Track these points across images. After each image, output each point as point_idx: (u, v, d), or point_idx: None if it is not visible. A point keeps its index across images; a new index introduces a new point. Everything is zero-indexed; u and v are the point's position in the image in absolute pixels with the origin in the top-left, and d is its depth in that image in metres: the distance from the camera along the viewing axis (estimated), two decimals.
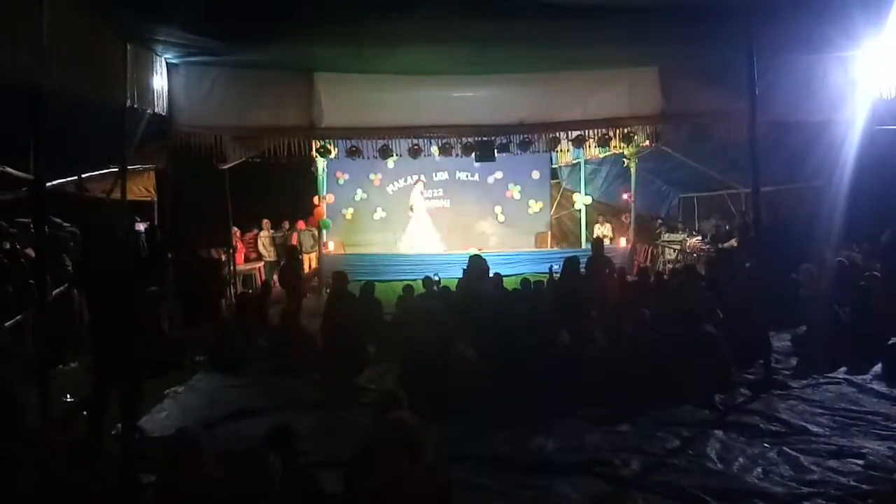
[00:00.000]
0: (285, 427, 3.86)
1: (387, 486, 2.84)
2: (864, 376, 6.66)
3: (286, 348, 7.85)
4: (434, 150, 11.61)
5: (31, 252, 7.23)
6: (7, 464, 3.13)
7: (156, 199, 10.80)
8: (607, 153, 14.09)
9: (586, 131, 11.08)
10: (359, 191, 15.64)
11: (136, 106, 8.04)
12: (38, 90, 5.11)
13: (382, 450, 2.93)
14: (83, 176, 9.54)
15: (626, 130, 10.99)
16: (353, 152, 11.18)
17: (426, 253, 13.81)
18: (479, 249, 12.91)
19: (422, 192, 15.09)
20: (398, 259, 13.45)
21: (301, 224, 15.20)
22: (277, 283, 10.96)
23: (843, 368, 6.90)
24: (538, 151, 12.63)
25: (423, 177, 15.40)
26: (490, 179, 15.94)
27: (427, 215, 14.90)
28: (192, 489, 3.33)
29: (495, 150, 11.39)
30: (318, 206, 14.06)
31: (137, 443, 5.12)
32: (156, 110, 8.69)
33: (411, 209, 14.86)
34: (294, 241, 14.10)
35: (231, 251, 12.07)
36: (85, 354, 7.06)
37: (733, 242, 12.93)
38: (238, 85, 9.55)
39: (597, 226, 15.91)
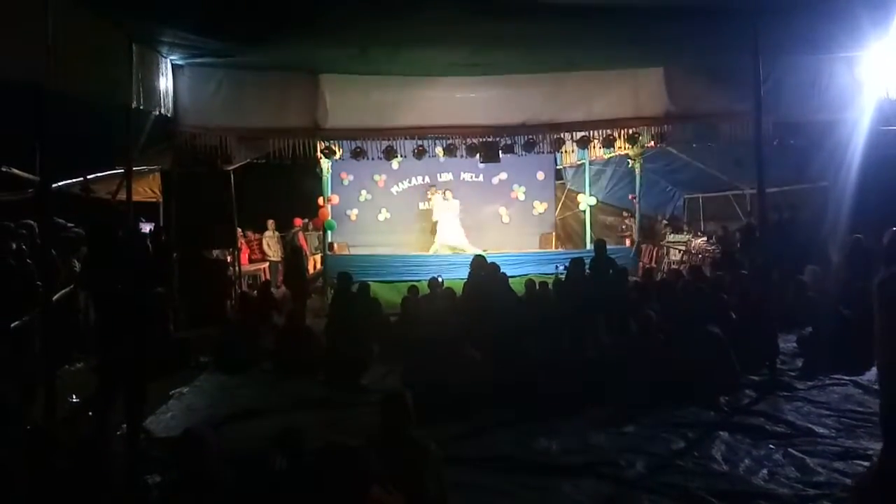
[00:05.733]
0: (293, 428, 3.87)
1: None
2: (870, 377, 6.64)
3: (290, 349, 7.85)
4: (438, 151, 11.62)
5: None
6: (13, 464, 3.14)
7: (161, 200, 10.83)
8: (612, 154, 14.07)
9: (591, 132, 11.07)
10: (363, 192, 15.64)
11: (141, 107, 8.07)
12: (43, 91, 5.13)
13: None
14: (89, 177, 9.58)
15: (630, 131, 10.97)
16: (358, 153, 11.19)
17: (429, 254, 13.81)
18: (485, 250, 12.89)
19: (442, 198, 14.95)
20: (402, 260, 13.43)
21: (298, 221, 15.23)
22: (282, 284, 10.98)
23: (849, 370, 6.87)
24: (543, 152, 12.60)
25: (436, 186, 15.26)
26: (495, 180, 15.91)
27: (450, 216, 14.82)
28: (199, 490, 3.33)
29: (500, 151, 11.38)
30: (323, 207, 14.07)
31: (143, 443, 5.13)
32: (161, 111, 8.72)
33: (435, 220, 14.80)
34: (301, 242, 14.13)
35: (236, 252, 12.09)
36: (90, 355, 7.08)
37: (737, 243, 12.89)
38: (243, 86, 9.58)
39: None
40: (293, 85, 9.91)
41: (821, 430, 5.39)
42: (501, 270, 9.51)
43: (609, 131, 10.97)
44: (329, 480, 2.67)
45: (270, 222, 14.96)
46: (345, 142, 11.26)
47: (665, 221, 16.49)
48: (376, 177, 15.55)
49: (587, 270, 9.34)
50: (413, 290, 9.51)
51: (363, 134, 10.83)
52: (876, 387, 6.32)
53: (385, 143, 10.98)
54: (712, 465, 4.82)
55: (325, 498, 2.69)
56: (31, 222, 7.05)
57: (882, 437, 4.14)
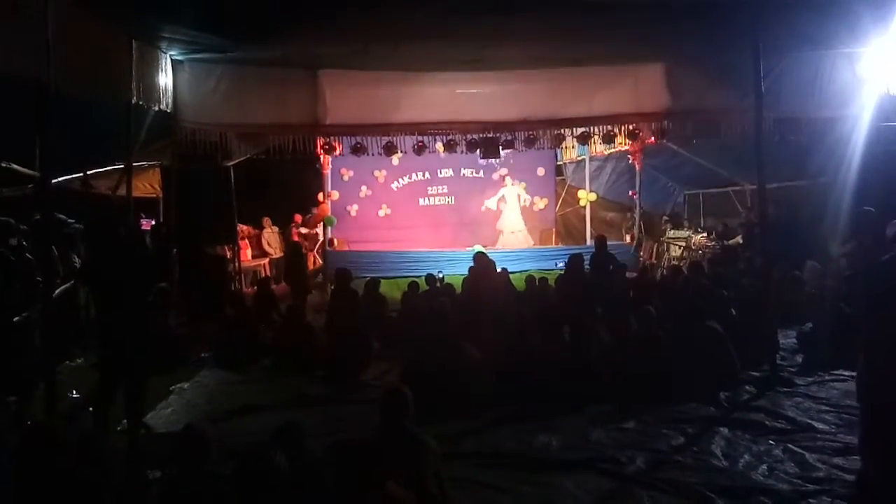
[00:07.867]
0: (294, 424, 3.87)
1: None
2: None
3: (290, 345, 7.86)
4: (439, 146, 11.61)
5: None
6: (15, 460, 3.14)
7: (161, 195, 10.82)
8: (612, 150, 14.06)
9: (591, 128, 11.06)
10: (363, 187, 15.65)
11: (141, 103, 8.06)
12: (43, 87, 5.12)
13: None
14: (89, 173, 9.57)
15: (631, 127, 10.97)
16: (358, 149, 11.18)
17: (431, 250, 13.82)
18: (485, 246, 12.90)
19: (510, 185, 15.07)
20: (402, 256, 13.44)
21: (298, 218, 15.25)
22: (282, 280, 10.99)
23: (849, 366, 6.87)
24: (543, 148, 12.60)
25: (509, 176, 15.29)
26: (495, 176, 15.91)
27: (515, 208, 14.88)
28: (199, 485, 3.34)
29: (500, 147, 11.38)
30: (323, 202, 14.07)
31: (143, 439, 5.14)
32: (161, 107, 8.71)
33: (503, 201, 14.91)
34: (297, 238, 14.13)
35: (236, 248, 12.09)
36: (91, 351, 7.09)
37: (738, 240, 12.89)
38: (243, 82, 9.56)
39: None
40: (293, 80, 9.89)
41: (821, 425, 5.39)
42: (501, 266, 9.52)
43: (609, 127, 10.97)
44: (343, 476, 2.66)
45: (266, 219, 14.97)
46: (345, 137, 11.26)
47: (665, 217, 16.46)
48: (376, 172, 15.56)
49: (587, 266, 9.35)
50: (413, 286, 9.52)
51: (363, 130, 10.81)
52: None
53: (385, 139, 10.97)
54: (712, 460, 4.82)
55: (340, 494, 2.68)
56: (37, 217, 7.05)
57: None
